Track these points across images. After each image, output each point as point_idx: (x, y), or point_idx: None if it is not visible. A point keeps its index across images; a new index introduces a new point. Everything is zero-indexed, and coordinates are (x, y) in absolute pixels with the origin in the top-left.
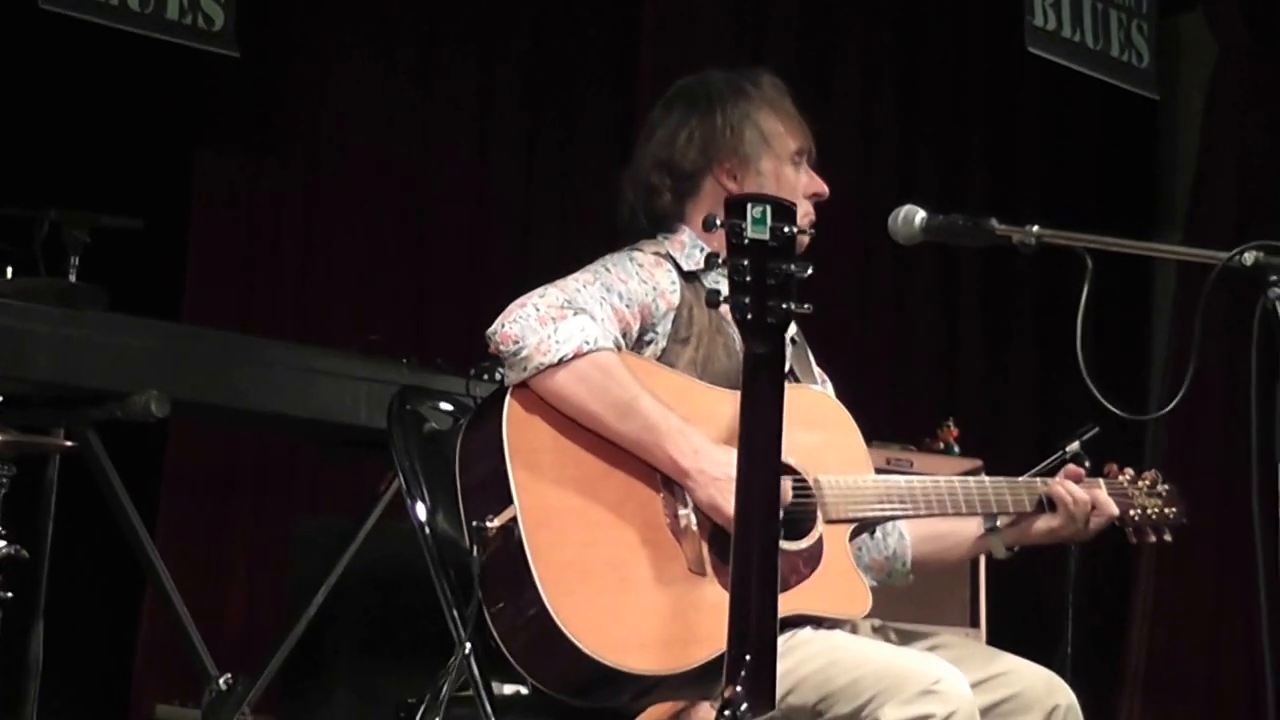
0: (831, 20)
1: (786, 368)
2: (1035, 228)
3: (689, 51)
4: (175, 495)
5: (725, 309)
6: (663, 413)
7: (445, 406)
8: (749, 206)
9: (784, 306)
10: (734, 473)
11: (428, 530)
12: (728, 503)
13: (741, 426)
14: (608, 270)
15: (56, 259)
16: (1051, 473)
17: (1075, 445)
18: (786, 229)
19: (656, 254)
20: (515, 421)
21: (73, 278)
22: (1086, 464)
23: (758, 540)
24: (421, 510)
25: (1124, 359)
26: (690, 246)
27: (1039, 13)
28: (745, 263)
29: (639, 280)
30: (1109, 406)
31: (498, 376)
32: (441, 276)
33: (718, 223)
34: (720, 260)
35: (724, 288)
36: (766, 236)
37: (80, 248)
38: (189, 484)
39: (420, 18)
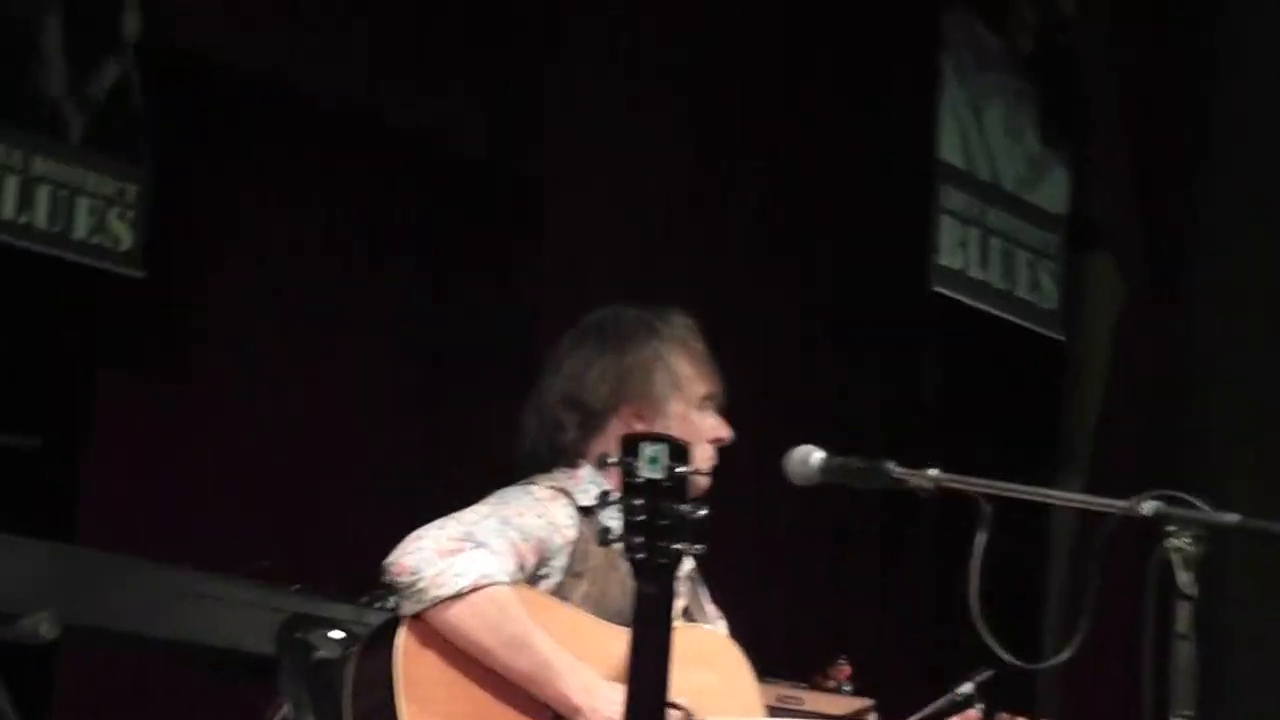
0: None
1: (682, 605)
2: (934, 471)
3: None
4: (66, 713)
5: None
6: (554, 649)
7: (334, 634)
8: (642, 445)
9: (676, 547)
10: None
11: None
12: None
13: (629, 667)
14: (505, 504)
15: None
16: (941, 716)
17: (968, 687)
18: (680, 469)
19: (553, 488)
20: (408, 653)
21: None
22: (979, 707)
23: None
24: None
25: (1019, 601)
26: (588, 482)
27: (944, 251)
28: (638, 502)
29: (535, 515)
30: (1001, 654)
31: (390, 605)
32: (328, 503)
33: (609, 460)
34: (613, 498)
35: (617, 525)
36: (661, 476)
37: None
38: (80, 705)
39: (315, 245)
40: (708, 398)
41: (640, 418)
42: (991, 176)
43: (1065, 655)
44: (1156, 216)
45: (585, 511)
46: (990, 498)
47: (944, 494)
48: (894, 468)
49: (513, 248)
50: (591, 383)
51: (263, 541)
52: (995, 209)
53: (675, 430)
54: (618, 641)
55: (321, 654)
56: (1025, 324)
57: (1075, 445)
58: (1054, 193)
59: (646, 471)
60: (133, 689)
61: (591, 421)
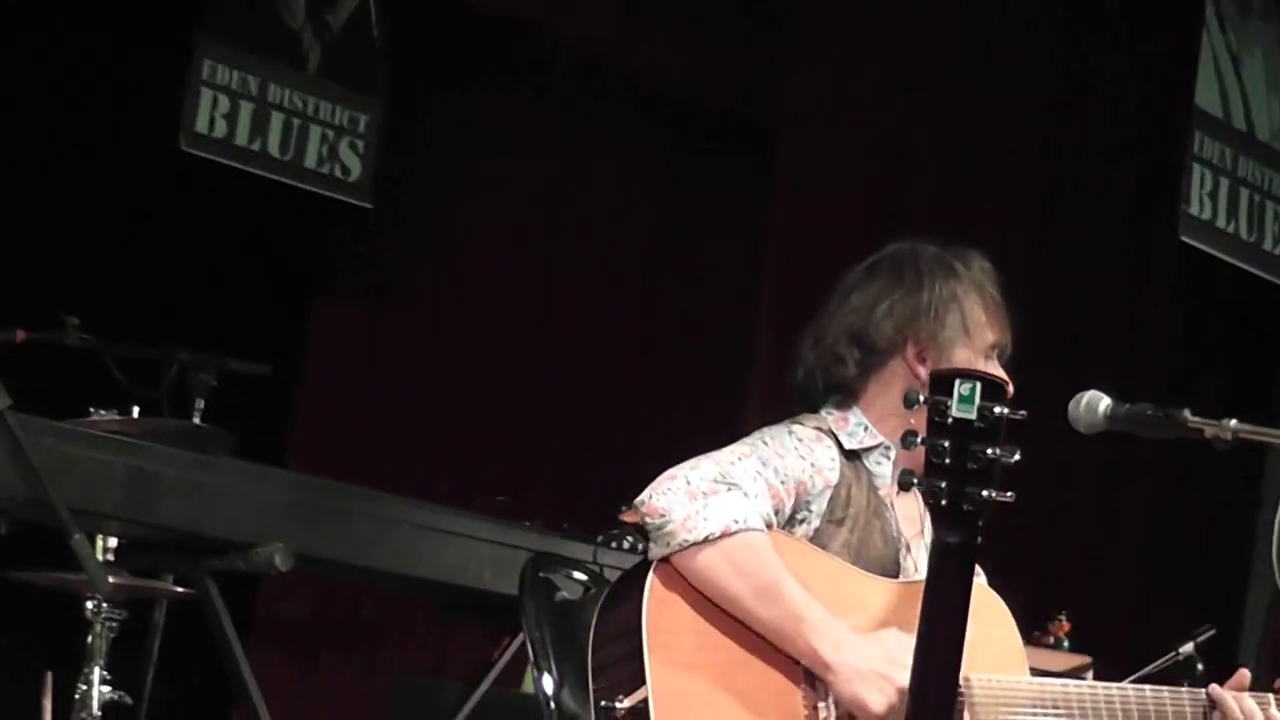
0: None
1: None
2: (1233, 422)
3: (821, 222)
4: (263, 644)
5: (888, 493)
6: (807, 601)
7: (578, 575)
8: (957, 382)
9: (984, 494)
10: (879, 668)
11: (553, 705)
12: (871, 699)
13: (922, 621)
14: (765, 444)
15: (179, 402)
16: (1165, 675)
17: (1189, 647)
18: (996, 410)
19: (818, 429)
20: (656, 599)
21: (197, 420)
22: (1200, 667)
23: None
24: (549, 683)
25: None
26: (855, 425)
27: (1195, 201)
28: (946, 443)
29: (797, 456)
30: None
31: (625, 545)
32: (552, 441)
33: (920, 399)
34: (916, 440)
35: (885, 468)
36: (973, 416)
37: (207, 391)
38: (277, 633)
39: (549, 190)
40: (994, 346)
41: (923, 360)
42: (1246, 126)
43: None
44: None
45: (850, 455)
46: None
47: (1241, 445)
48: (1189, 416)
49: (748, 196)
50: (879, 318)
51: (486, 479)
52: (1247, 159)
53: None
54: (877, 593)
55: (564, 594)
56: (1271, 279)
57: None
58: None
59: (958, 410)
60: (330, 618)
61: (872, 359)
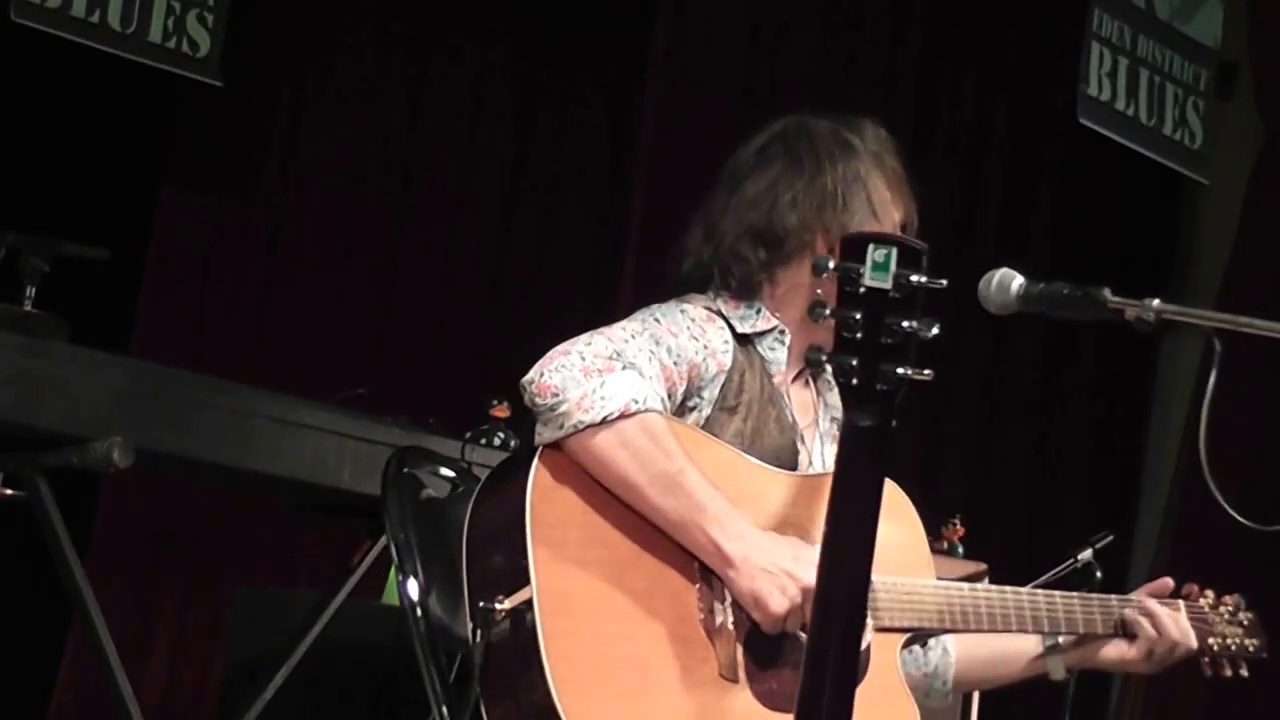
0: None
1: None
2: (1155, 302)
3: (696, 101)
4: (103, 554)
5: (782, 380)
6: (710, 492)
7: (445, 472)
8: (870, 247)
9: (900, 371)
10: (784, 564)
11: (419, 611)
12: (773, 598)
13: (830, 515)
14: (657, 321)
15: (8, 287)
16: (1063, 582)
17: (1088, 554)
18: (913, 278)
19: (709, 310)
20: (541, 488)
21: (28, 307)
22: (1098, 574)
23: (835, 652)
24: (414, 588)
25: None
26: (747, 309)
27: (1094, 81)
28: (857, 315)
29: (689, 336)
30: (1236, 515)
31: (496, 442)
32: (410, 330)
33: (830, 265)
34: (824, 312)
35: (779, 354)
36: (888, 285)
37: (38, 276)
38: (118, 540)
39: (407, 60)
40: (902, 226)
41: (832, 250)
42: (1144, 3)
43: None
44: None
45: (742, 340)
46: (1220, 332)
47: (1165, 326)
48: (1110, 296)
49: (616, 79)
50: (782, 211)
51: (340, 376)
52: (1146, 38)
53: None
54: (776, 487)
55: (430, 492)
56: (1170, 164)
57: (1187, 283)
58: (1207, 24)
59: (871, 279)
60: (174, 523)
61: (777, 256)
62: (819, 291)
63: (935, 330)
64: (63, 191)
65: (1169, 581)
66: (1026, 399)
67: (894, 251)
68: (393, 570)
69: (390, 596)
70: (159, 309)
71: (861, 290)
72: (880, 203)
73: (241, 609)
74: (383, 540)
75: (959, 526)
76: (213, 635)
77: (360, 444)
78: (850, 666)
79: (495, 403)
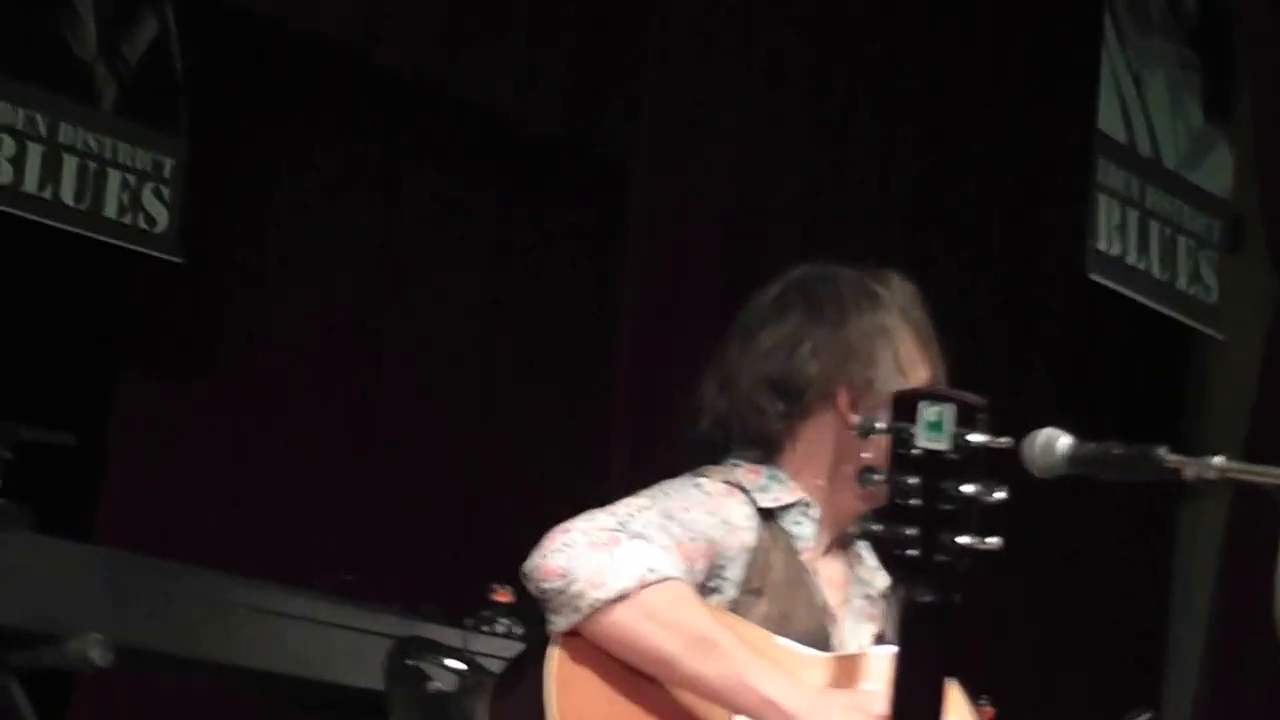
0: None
1: (876, 630)
2: (1218, 459)
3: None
4: None
5: (810, 557)
6: (749, 652)
7: (450, 663)
8: (921, 405)
9: (961, 542)
10: (851, 702)
11: None
12: None
13: (893, 697)
14: (666, 495)
15: None
16: None
17: None
18: (972, 437)
19: (728, 482)
20: (562, 681)
21: None
22: None
23: None
24: None
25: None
26: (767, 478)
27: (1103, 235)
28: (913, 480)
29: (705, 511)
30: None
31: (499, 629)
32: (387, 507)
33: (879, 425)
34: (874, 477)
35: (806, 529)
36: (944, 446)
37: (1, 465)
38: None
39: (372, 226)
40: (929, 381)
41: (855, 407)
42: (1152, 153)
43: None
44: None
45: (765, 515)
46: None
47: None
48: (1167, 454)
49: (592, 234)
50: (801, 362)
51: (319, 558)
52: (1155, 188)
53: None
54: (811, 669)
55: (438, 685)
56: (1185, 320)
57: (1210, 439)
58: (1217, 173)
59: (926, 439)
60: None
61: (796, 409)
62: (865, 455)
63: (1001, 494)
64: (14, 373)
65: None
66: (1038, 572)
67: (949, 409)
68: None
69: None
70: (123, 493)
71: (915, 452)
72: (908, 359)
73: None
74: None
75: (988, 707)
76: None
77: (351, 634)
78: None
79: (496, 587)
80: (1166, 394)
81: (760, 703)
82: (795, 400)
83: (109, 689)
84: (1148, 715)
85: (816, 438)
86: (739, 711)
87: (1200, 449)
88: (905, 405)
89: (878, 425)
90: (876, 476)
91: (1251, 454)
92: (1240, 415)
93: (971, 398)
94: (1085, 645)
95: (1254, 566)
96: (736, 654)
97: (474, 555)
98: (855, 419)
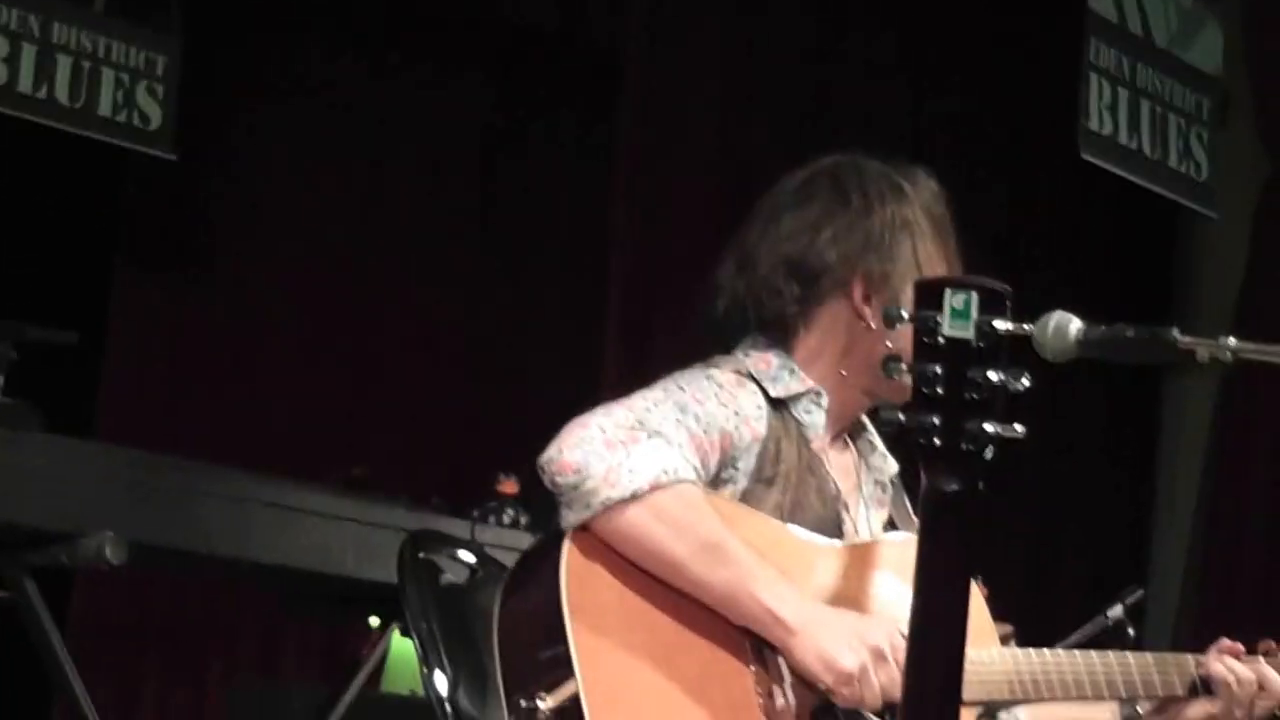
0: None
1: (885, 515)
2: (1231, 340)
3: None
4: (78, 649)
5: (820, 445)
6: (756, 559)
7: (462, 556)
8: (947, 293)
9: (987, 429)
10: (848, 624)
11: (448, 708)
12: (843, 655)
13: (919, 587)
14: (680, 389)
15: None
16: (1094, 641)
17: (1118, 610)
18: (998, 325)
19: (737, 372)
20: (576, 575)
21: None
22: (1131, 631)
23: None
24: (442, 682)
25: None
26: (778, 368)
27: (1094, 114)
28: (938, 369)
29: (718, 403)
30: None
31: (506, 519)
32: (388, 399)
33: (904, 315)
34: (900, 366)
35: (817, 417)
36: (970, 334)
37: (6, 363)
38: (94, 635)
39: (367, 122)
40: None
41: (866, 298)
42: (1143, 31)
43: None
44: None
45: (776, 404)
46: None
47: (1240, 366)
48: (1180, 336)
49: (585, 124)
50: (821, 247)
51: (322, 453)
52: (1145, 66)
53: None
54: (823, 559)
55: (449, 578)
56: (1177, 198)
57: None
58: (1208, 49)
59: (951, 328)
60: (153, 618)
61: (811, 294)
62: (888, 344)
63: (1025, 381)
64: (9, 271)
65: (1239, 646)
66: (1027, 450)
67: (974, 296)
68: (389, 657)
69: (390, 684)
70: (123, 390)
71: (941, 341)
72: (926, 255)
73: (234, 709)
74: (392, 630)
75: (983, 587)
76: None
77: (363, 528)
78: None
79: (502, 477)
80: (1156, 272)
81: (763, 614)
82: (811, 285)
83: (107, 587)
84: (1138, 593)
85: (829, 325)
86: (742, 621)
87: (1190, 326)
88: (930, 293)
89: (904, 314)
90: (902, 366)
91: (1240, 331)
92: (1229, 292)
93: (996, 284)
94: (1074, 528)
95: (1242, 445)
96: (743, 563)
97: (474, 446)
98: (868, 310)
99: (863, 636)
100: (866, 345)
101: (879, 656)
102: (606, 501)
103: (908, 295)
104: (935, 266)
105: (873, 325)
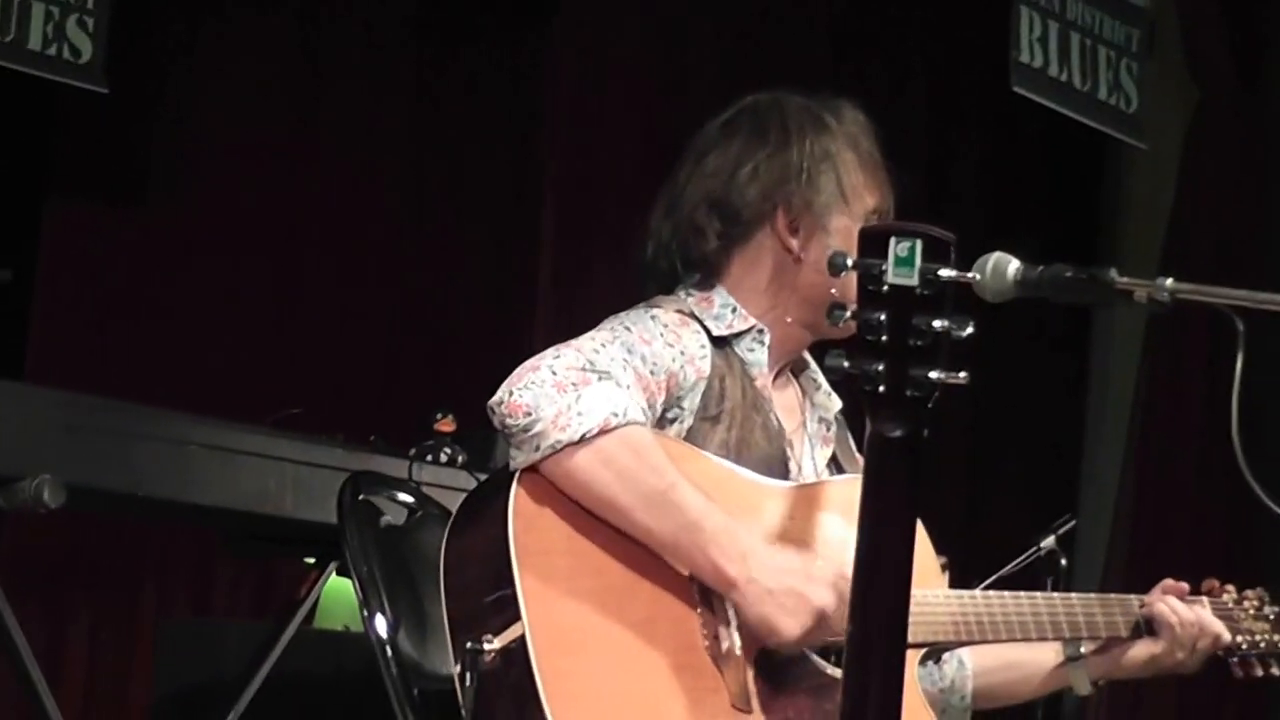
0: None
1: (829, 453)
2: (1169, 281)
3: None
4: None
5: (764, 383)
6: (705, 507)
7: (402, 497)
8: (892, 241)
9: (930, 375)
10: (791, 583)
11: (389, 650)
12: (783, 622)
13: (863, 532)
14: (627, 329)
15: None
16: (1026, 570)
17: (1050, 541)
18: (941, 272)
19: (680, 313)
20: (523, 516)
21: None
22: (1063, 561)
23: (876, 684)
24: (383, 624)
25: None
26: (721, 307)
27: (1025, 47)
28: (882, 316)
29: (664, 343)
30: (1272, 506)
31: (444, 458)
32: (318, 337)
33: (848, 263)
34: (844, 314)
35: (759, 354)
36: (914, 282)
37: None
38: (23, 573)
39: (302, 58)
40: (875, 211)
41: (793, 231)
42: None
43: None
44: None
45: (719, 343)
46: (1241, 310)
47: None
48: (1118, 277)
49: (519, 63)
50: (741, 182)
51: (255, 393)
52: (1076, 0)
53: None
54: (769, 499)
55: (389, 519)
56: (1107, 130)
57: (1118, 251)
58: None
59: (895, 275)
60: (82, 553)
61: (736, 230)
62: (834, 291)
63: (969, 329)
64: None
65: (1184, 586)
66: (957, 389)
67: (919, 244)
68: (322, 595)
69: (323, 620)
70: (53, 330)
71: (885, 288)
72: (851, 186)
73: (164, 644)
74: (330, 569)
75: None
76: (129, 673)
77: (302, 468)
78: (894, 700)
79: (439, 416)
80: (1085, 203)
81: (707, 566)
82: (733, 222)
83: (37, 524)
84: (1070, 522)
85: (754, 259)
86: (685, 570)
87: (1118, 259)
88: (875, 241)
89: (848, 262)
90: (846, 314)
91: (1167, 263)
92: (1158, 224)
93: (940, 232)
94: (1007, 459)
95: (1171, 381)
96: (690, 511)
97: (411, 386)
98: (794, 241)
99: (807, 597)
100: (795, 277)
101: (821, 619)
102: (555, 444)
103: (835, 226)
104: (863, 196)
105: (801, 256)
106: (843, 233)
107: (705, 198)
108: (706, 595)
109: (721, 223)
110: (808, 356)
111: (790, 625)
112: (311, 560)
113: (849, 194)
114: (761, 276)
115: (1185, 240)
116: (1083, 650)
